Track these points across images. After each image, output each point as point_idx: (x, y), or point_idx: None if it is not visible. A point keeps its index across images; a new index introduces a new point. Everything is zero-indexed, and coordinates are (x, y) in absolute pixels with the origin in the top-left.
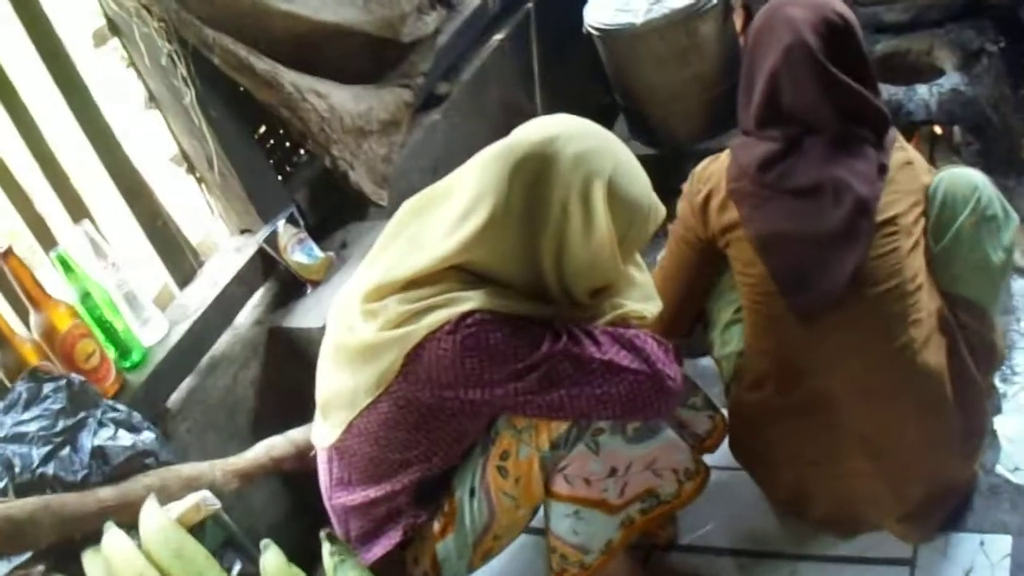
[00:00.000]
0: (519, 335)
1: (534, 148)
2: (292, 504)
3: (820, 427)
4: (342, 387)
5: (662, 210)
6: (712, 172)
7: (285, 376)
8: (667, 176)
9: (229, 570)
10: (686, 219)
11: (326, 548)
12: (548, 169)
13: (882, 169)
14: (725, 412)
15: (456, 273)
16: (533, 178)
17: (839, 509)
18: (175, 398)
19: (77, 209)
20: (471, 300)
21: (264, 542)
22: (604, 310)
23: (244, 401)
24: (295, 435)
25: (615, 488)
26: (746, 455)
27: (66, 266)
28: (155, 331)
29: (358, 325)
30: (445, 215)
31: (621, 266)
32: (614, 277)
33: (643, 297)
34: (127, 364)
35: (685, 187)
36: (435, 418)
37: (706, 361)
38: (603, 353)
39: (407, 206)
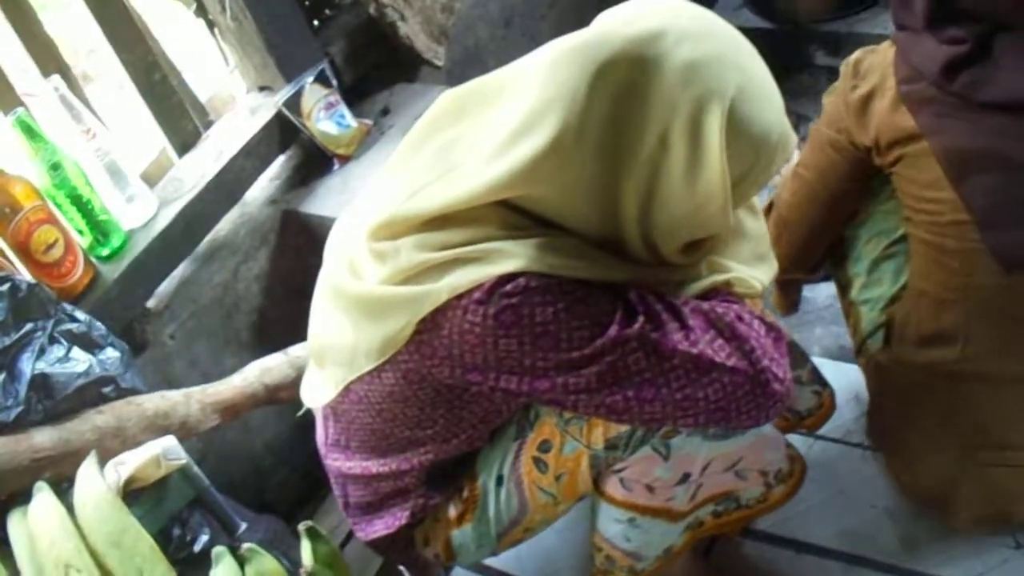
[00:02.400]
0: (578, 311)
1: (629, 47)
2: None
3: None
4: (340, 340)
5: (793, 139)
6: (873, 65)
7: (299, 271)
8: (782, 59)
9: (192, 542)
10: (838, 119)
11: (306, 550)
12: (646, 80)
13: None
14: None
15: (500, 212)
16: (623, 90)
17: (990, 507)
18: (159, 296)
19: (48, 61)
20: (515, 257)
21: (216, 551)
22: (699, 272)
23: (246, 300)
24: (299, 354)
25: (685, 495)
26: (893, 435)
27: (29, 132)
28: (141, 211)
29: (363, 266)
30: (495, 126)
31: (731, 216)
32: (719, 229)
33: (754, 256)
34: (105, 252)
35: (838, 81)
36: (456, 397)
37: (812, 296)
38: (691, 342)
39: (447, 100)
